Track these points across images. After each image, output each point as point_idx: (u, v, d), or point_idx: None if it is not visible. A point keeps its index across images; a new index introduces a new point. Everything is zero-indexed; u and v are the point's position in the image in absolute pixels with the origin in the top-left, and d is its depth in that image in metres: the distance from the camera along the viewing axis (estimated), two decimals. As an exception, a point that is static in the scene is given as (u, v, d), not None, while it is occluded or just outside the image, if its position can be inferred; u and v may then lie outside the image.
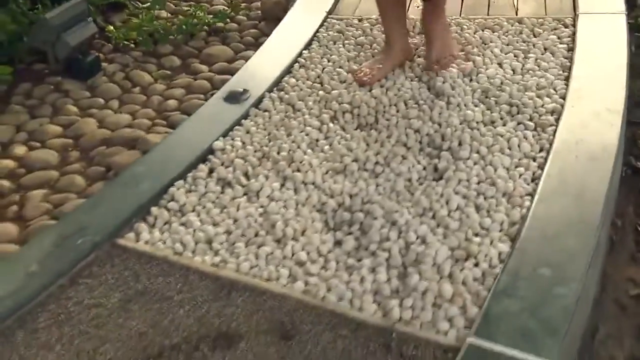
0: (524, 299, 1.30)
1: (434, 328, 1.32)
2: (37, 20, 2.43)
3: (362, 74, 2.09)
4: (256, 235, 1.60)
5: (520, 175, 1.65)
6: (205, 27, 2.82)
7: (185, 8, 3.00)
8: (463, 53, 2.15)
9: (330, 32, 2.40)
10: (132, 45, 2.73)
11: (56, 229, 1.65)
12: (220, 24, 2.85)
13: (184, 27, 2.75)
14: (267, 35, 2.52)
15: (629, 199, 1.85)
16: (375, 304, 1.38)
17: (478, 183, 1.65)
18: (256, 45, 2.63)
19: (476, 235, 1.49)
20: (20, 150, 2.14)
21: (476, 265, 1.43)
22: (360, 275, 1.43)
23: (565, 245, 1.39)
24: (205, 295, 1.46)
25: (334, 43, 2.34)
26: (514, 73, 2.04)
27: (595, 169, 1.58)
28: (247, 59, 2.42)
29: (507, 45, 2.18)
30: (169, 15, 2.97)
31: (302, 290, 1.44)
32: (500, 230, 1.49)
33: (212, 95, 2.27)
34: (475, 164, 1.71)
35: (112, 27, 2.76)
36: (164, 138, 2.03)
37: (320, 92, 2.06)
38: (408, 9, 2.31)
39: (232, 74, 2.30)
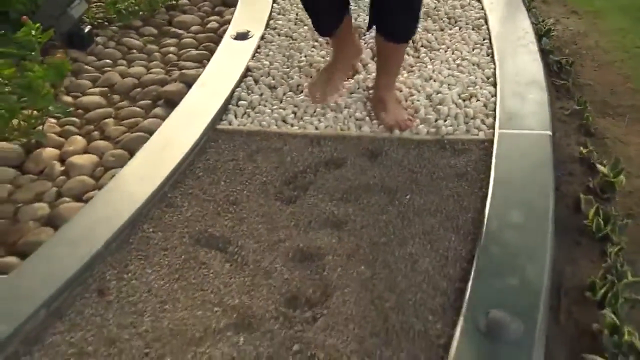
0: (519, 102, 2.06)
1: (469, 133, 2.06)
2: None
3: (310, 94, 2.22)
4: (315, 111, 2.24)
5: (480, 52, 2.45)
6: (161, 4, 3.33)
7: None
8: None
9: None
10: (106, 23, 3.19)
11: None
12: (173, 2, 3.36)
13: (149, 3, 3.24)
14: (226, 4, 3.12)
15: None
16: (426, 127, 2.08)
17: (454, 60, 2.43)
18: (215, 12, 3.21)
19: (469, 86, 2.25)
20: (67, 99, 2.56)
21: (477, 100, 2.20)
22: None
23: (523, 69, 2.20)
24: (303, 145, 2.07)
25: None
26: None
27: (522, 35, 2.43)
28: (220, 19, 3.01)
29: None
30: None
31: (371, 131, 2.10)
32: (483, 81, 2.27)
33: (204, 48, 2.84)
34: (446, 51, 2.48)
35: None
36: (204, 69, 2.56)
37: (305, 27, 2.69)
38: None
39: (215, 32, 2.88)
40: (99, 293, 1.52)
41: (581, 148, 2.08)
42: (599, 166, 1.93)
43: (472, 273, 1.45)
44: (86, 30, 2.93)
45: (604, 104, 2.40)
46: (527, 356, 1.26)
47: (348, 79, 2.29)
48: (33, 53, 2.24)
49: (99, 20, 3.15)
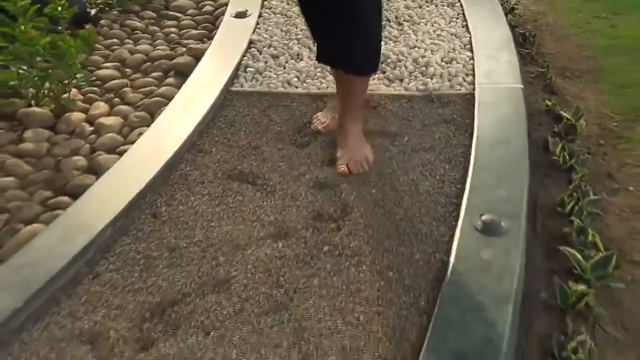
0: (493, 63, 2.41)
1: (452, 88, 2.39)
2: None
3: (317, 121, 2.18)
4: (315, 75, 2.55)
5: (456, 24, 2.80)
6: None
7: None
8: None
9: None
10: (107, 8, 3.45)
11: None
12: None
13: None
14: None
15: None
16: (418, 84, 2.41)
17: (434, 32, 2.77)
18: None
19: (449, 52, 2.59)
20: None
21: (457, 63, 2.54)
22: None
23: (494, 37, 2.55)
24: (308, 102, 2.38)
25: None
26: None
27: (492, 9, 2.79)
28: (214, 3, 3.30)
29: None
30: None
31: (368, 90, 2.42)
32: (461, 48, 2.61)
33: (203, 28, 3.13)
34: (426, 24, 2.83)
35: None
36: (208, 44, 2.85)
37: (297, 7, 3.01)
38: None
39: (211, 14, 3.17)
40: (153, 215, 1.80)
41: (547, 101, 2.43)
42: (563, 113, 2.29)
43: (466, 190, 1.78)
44: (92, 12, 3.18)
45: (563, 68, 2.76)
46: (515, 246, 1.59)
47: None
48: (59, 27, 2.50)
49: (100, 5, 3.40)
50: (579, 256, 1.67)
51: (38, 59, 2.37)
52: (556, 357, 1.46)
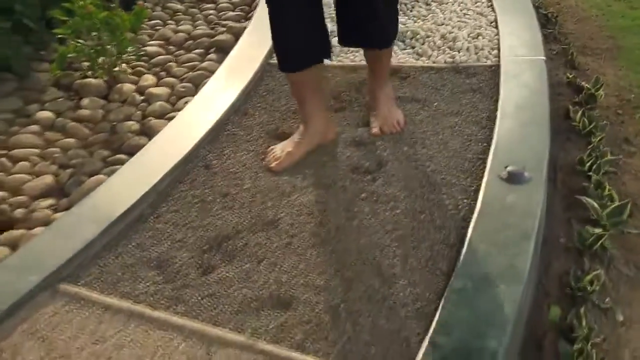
0: (517, 39, 2.57)
1: (479, 61, 2.56)
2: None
3: (271, 156, 1.98)
4: (349, 50, 2.72)
5: (482, 4, 2.96)
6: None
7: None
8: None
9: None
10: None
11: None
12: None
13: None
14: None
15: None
16: (446, 57, 2.57)
17: (461, 11, 2.94)
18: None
19: (475, 29, 2.75)
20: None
21: (483, 38, 2.70)
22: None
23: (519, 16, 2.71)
24: (343, 73, 2.54)
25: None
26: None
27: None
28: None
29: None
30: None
31: (397, 63, 2.60)
32: (486, 25, 2.77)
33: (240, 10, 3.32)
34: (453, 4, 2.99)
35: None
36: (246, 23, 3.03)
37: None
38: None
39: None
40: (205, 167, 1.99)
41: (568, 75, 2.59)
42: (583, 84, 2.44)
43: (492, 147, 1.95)
44: (137, -4, 3.38)
45: (584, 47, 2.91)
46: (537, 192, 1.75)
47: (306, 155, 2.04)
48: (113, 4, 2.70)
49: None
50: (596, 205, 1.83)
51: (94, 33, 2.57)
52: (573, 289, 1.61)
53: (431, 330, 1.36)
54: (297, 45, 1.91)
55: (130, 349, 1.36)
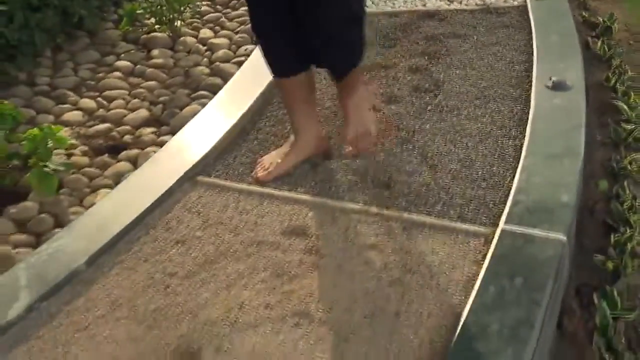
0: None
1: (507, 3, 2.90)
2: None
3: (259, 167, 1.90)
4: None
5: None
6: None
7: None
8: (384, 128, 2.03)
9: None
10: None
11: None
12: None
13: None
14: None
15: None
16: (476, 0, 2.91)
17: None
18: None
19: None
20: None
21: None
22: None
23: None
24: (385, 17, 2.87)
25: None
26: None
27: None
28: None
29: None
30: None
31: (434, 7, 2.93)
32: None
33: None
34: None
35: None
36: None
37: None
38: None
39: None
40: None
41: (583, 14, 2.94)
42: (599, 18, 2.79)
43: (534, 65, 2.28)
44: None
45: (594, -8, 3.26)
46: (580, 94, 2.09)
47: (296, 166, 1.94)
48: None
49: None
50: (625, 106, 2.17)
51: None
52: (616, 169, 1.96)
53: (512, 195, 1.68)
54: (278, 56, 1.81)
55: (270, 216, 1.68)
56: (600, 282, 1.61)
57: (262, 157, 1.93)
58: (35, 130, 1.94)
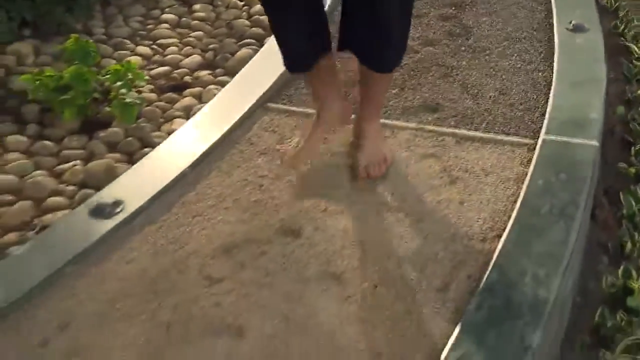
0: None
1: None
2: None
3: (287, 149, 1.85)
4: None
5: None
6: None
7: None
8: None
9: None
10: None
11: None
12: None
13: None
14: None
15: None
16: None
17: None
18: None
19: None
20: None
21: None
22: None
23: None
24: None
25: None
26: None
27: None
28: None
29: None
30: None
31: None
32: None
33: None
34: None
35: None
36: None
37: None
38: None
39: None
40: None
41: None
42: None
43: (554, 12, 2.56)
44: None
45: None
46: (598, 34, 2.37)
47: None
48: None
49: None
50: (635, 47, 2.46)
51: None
52: (630, 98, 2.24)
53: (547, 114, 1.95)
54: (297, 52, 1.74)
55: (336, 133, 1.94)
56: (625, 184, 1.89)
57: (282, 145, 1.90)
58: (117, 66, 2.17)
